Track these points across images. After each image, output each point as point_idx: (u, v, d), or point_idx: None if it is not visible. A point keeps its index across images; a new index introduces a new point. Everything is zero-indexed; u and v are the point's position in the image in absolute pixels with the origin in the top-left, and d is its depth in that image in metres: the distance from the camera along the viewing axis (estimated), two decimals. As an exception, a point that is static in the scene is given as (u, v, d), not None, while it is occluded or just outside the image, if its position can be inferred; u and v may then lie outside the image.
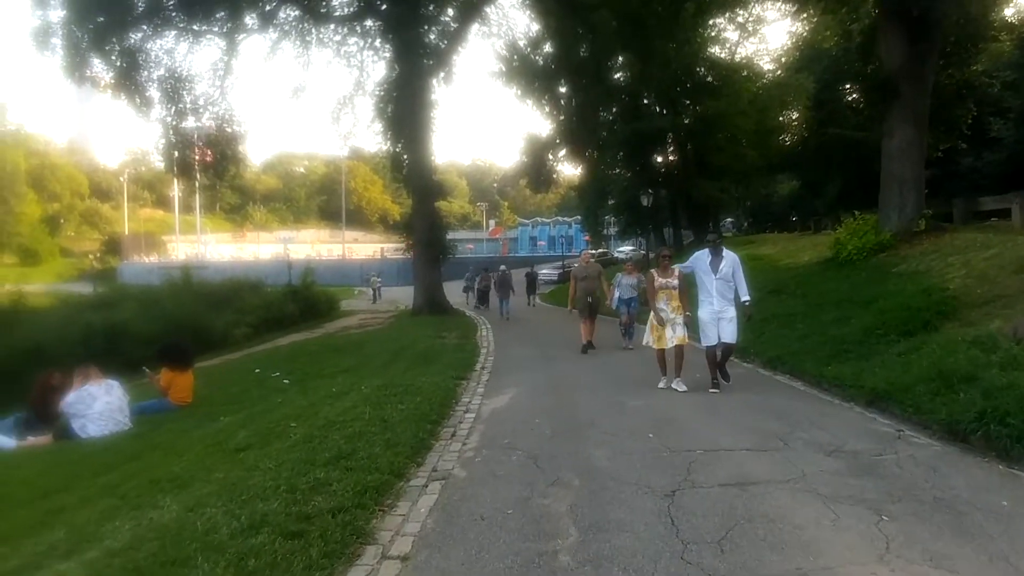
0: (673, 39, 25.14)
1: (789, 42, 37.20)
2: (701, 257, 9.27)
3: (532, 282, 32.23)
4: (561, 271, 43.96)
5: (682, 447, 6.33)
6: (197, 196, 79.35)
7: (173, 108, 25.61)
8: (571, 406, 8.58)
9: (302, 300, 28.94)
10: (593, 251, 55.70)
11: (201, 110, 26.11)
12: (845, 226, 16.71)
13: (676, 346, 9.23)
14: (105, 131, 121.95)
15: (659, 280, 9.44)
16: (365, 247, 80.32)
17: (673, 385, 9.16)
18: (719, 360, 9.14)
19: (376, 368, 12.61)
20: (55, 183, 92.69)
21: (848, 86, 35.33)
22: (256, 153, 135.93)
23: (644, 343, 9.87)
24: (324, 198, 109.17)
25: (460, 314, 24.92)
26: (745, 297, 9.04)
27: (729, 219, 55.06)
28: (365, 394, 9.51)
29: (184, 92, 25.72)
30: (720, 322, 8.98)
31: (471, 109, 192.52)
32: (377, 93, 25.55)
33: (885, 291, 12.29)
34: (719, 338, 9.00)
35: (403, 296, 32.62)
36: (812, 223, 27.39)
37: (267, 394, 11.59)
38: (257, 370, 14.76)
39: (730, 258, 9.10)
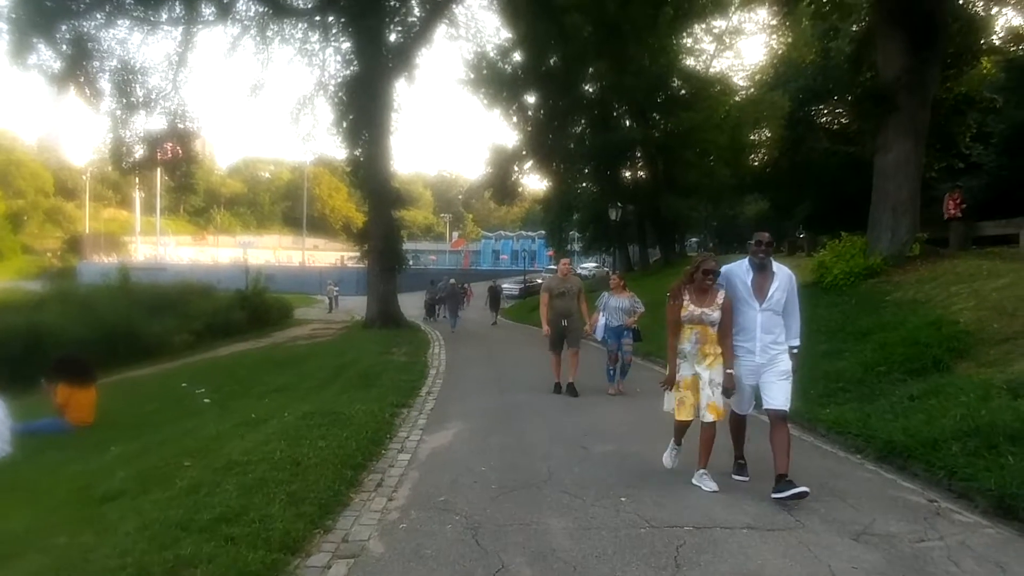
0: (648, 47, 23.95)
1: (764, 59, 36.54)
2: (736, 273, 5.85)
3: (496, 297, 28.92)
4: (523, 286, 42.48)
5: (665, 519, 4.88)
6: (158, 197, 76.99)
7: (124, 101, 23.86)
8: (525, 450, 7.07)
9: (252, 307, 27.10)
10: (555, 266, 54.69)
11: (153, 104, 24.33)
12: (829, 248, 15.33)
13: (709, 423, 5.64)
14: (76, 130, 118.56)
15: (691, 309, 5.65)
16: (327, 255, 78.23)
17: (696, 481, 5.68)
18: (774, 436, 5.49)
19: (310, 388, 11.01)
20: (20, 180, 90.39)
21: (822, 107, 34.84)
22: (222, 157, 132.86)
23: (665, 408, 6.02)
24: (288, 204, 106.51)
25: (414, 328, 23.32)
26: (795, 341, 5.76)
27: (694, 238, 54.13)
28: (285, 424, 7.98)
29: (136, 85, 24.05)
30: (765, 375, 5.60)
31: (439, 120, 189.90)
32: (337, 93, 23.86)
33: (882, 322, 11.03)
34: (769, 402, 5.56)
35: (361, 306, 30.54)
36: (786, 245, 26.34)
37: (181, 416, 9.98)
38: (184, 384, 13.05)
39: (783, 276, 5.75)
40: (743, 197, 39.24)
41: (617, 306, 10.65)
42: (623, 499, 5.34)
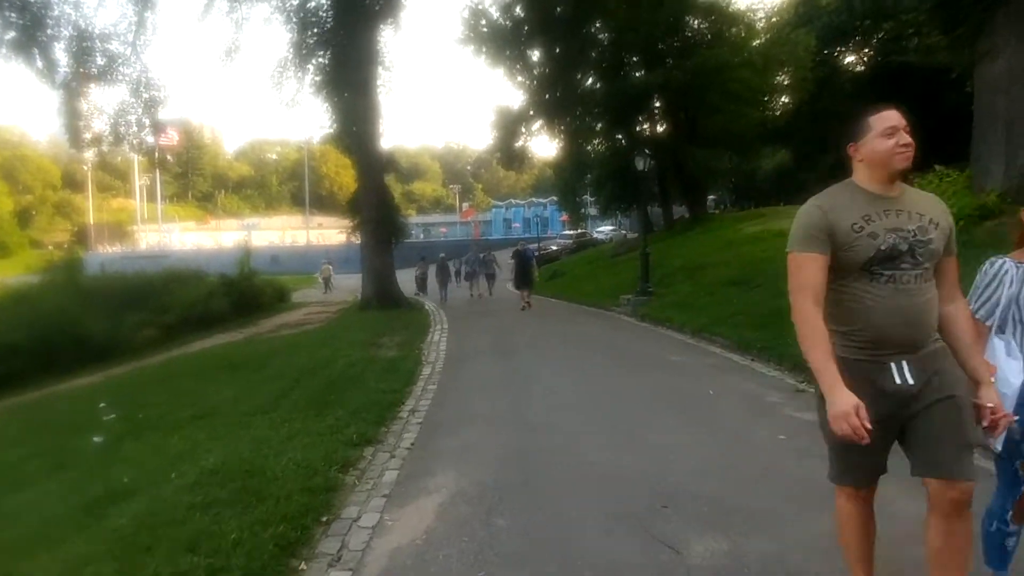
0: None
1: (780, 1, 32.68)
2: None
3: (525, 267, 19.14)
4: (536, 254, 38.46)
5: None
6: (158, 183, 73.89)
7: (81, 71, 20.45)
8: (564, 542, 3.65)
9: (239, 293, 23.66)
10: (571, 231, 50.76)
11: (112, 72, 20.87)
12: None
13: None
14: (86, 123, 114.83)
15: None
16: (334, 233, 74.67)
17: None
18: None
19: (248, 411, 7.64)
20: (26, 175, 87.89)
21: (847, 47, 31.03)
22: (229, 141, 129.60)
23: None
24: (296, 184, 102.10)
25: (415, 308, 19.80)
26: None
27: (711, 196, 49.94)
28: (155, 503, 4.69)
29: (97, 54, 20.59)
30: None
31: (444, 91, 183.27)
32: (312, 46, 19.94)
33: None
34: None
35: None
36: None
37: (37, 475, 6.65)
38: (103, 404, 9.69)
39: None
40: (762, 149, 35.43)
41: None
42: None
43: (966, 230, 10.48)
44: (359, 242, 21.34)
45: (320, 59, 20.34)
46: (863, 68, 31.10)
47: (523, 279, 18.86)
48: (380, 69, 20.66)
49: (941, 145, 21.41)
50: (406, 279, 26.33)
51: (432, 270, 25.88)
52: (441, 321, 16.13)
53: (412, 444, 6.05)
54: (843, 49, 31.25)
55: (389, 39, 22.86)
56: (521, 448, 5.78)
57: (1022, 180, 10.82)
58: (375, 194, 19.87)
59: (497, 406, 7.38)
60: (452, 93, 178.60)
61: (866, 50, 30.82)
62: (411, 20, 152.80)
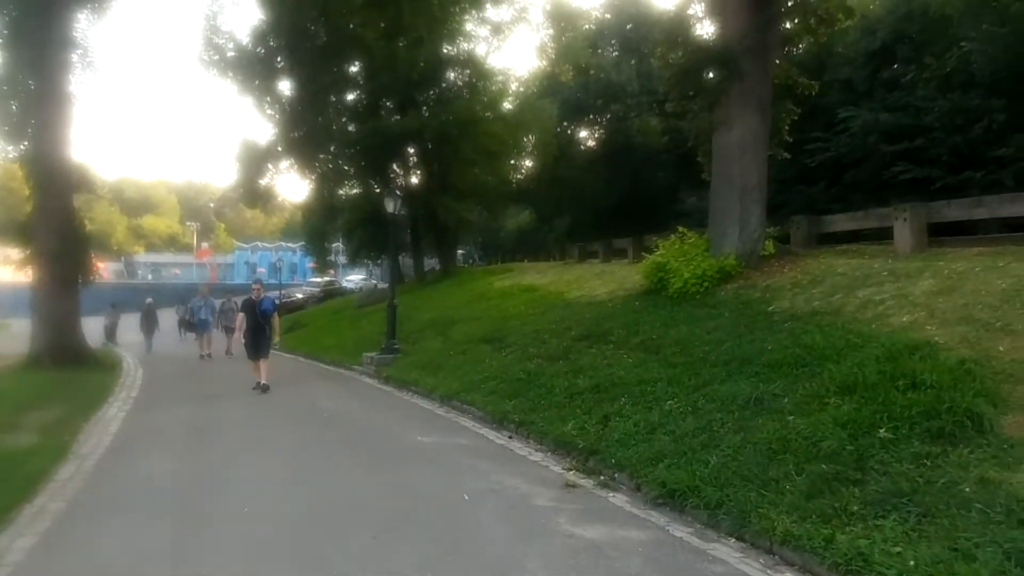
0: (426, 16, 18.56)
1: (529, 73, 33.50)
2: None
3: (258, 325, 11.80)
4: (278, 301, 34.60)
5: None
6: None
7: None
8: None
9: None
10: (319, 279, 47.29)
11: None
12: (665, 248, 11.24)
13: None
14: None
15: None
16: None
17: None
18: None
19: None
20: None
21: (585, 119, 32.28)
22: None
23: None
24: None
25: (105, 367, 15.32)
26: None
27: (461, 250, 49.86)
28: None
29: None
30: None
31: (190, 122, 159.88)
32: None
33: (807, 346, 6.81)
34: None
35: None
36: (577, 251, 22.49)
37: None
38: None
39: None
40: (509, 208, 35.78)
41: None
42: None
43: (710, 292, 10.04)
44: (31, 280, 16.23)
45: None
46: (594, 143, 32.54)
47: (255, 339, 11.75)
48: (81, 67, 16.37)
49: (656, 214, 22.41)
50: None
51: (135, 318, 23.09)
52: (132, 386, 12.43)
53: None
54: (578, 124, 32.46)
55: (98, 32, 18.62)
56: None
57: (755, 244, 10.76)
58: (57, 219, 15.10)
59: (153, 551, 4.54)
60: (199, 125, 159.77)
61: (597, 128, 32.31)
62: (151, 34, 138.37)
